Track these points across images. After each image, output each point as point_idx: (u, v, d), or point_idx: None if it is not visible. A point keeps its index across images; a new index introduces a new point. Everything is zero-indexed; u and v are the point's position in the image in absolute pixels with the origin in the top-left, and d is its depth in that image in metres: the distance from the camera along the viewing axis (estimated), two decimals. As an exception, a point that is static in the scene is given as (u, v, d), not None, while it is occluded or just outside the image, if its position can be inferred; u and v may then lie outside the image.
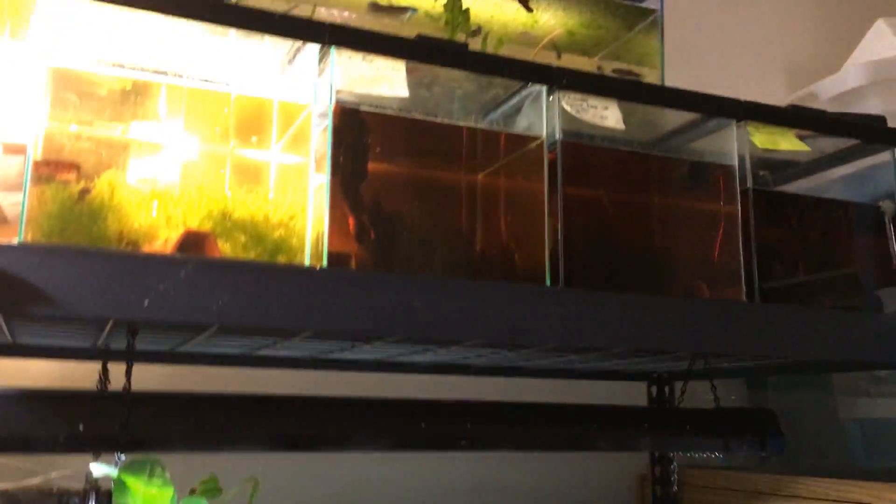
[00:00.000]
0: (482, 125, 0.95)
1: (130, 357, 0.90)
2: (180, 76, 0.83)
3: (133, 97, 0.81)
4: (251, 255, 0.80)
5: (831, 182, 1.15)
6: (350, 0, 1.16)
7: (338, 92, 0.83)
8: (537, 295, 0.83)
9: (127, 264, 0.68)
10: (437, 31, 1.19)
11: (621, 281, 0.94)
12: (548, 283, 0.88)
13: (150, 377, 1.16)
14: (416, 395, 1.09)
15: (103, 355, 0.95)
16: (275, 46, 0.84)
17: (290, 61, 0.86)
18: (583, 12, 1.26)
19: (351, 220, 0.85)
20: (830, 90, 1.42)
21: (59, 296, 0.66)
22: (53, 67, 0.77)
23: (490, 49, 1.22)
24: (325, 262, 0.80)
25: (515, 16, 1.24)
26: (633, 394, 1.49)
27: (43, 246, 0.70)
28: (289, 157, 0.88)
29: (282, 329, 0.82)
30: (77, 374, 1.24)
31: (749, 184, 0.99)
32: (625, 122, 0.96)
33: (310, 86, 0.84)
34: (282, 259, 0.81)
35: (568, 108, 0.91)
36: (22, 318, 0.77)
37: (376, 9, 1.14)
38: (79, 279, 0.66)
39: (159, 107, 0.83)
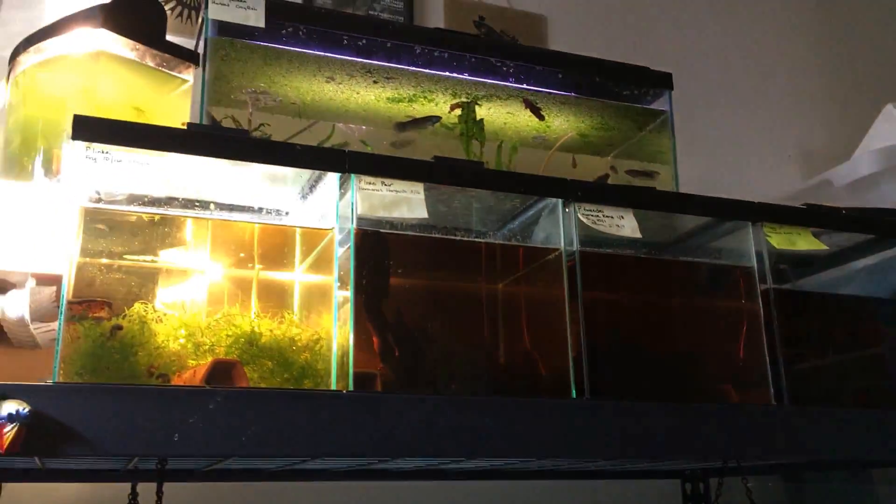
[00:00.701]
0: (500, 240, 0.97)
1: (161, 482, 0.90)
2: (207, 206, 0.86)
3: (160, 230, 0.84)
4: (278, 380, 0.81)
5: (853, 272, 1.15)
6: (367, 115, 1.21)
7: (359, 216, 0.85)
8: (561, 410, 0.83)
9: (157, 400, 0.70)
10: (453, 141, 1.22)
11: (646, 386, 0.94)
12: (573, 392, 0.88)
13: (183, 490, 1.16)
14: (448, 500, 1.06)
15: (133, 477, 0.95)
16: (297, 173, 0.87)
17: (312, 187, 0.89)
18: (593, 116, 1.29)
19: (375, 339, 0.86)
20: (844, 177, 1.43)
21: (91, 436, 0.67)
22: (83, 206, 0.79)
23: (505, 156, 1.25)
24: (350, 384, 0.81)
25: (528, 122, 1.27)
26: (666, 491, 1.46)
27: (76, 385, 0.72)
28: (312, 279, 0.90)
29: (310, 453, 0.82)
30: (106, 494, 1.24)
31: (769, 283, 0.99)
32: (641, 226, 0.97)
33: (331, 211, 0.87)
34: (308, 383, 0.82)
35: (584, 219, 0.92)
36: (55, 457, 0.78)
37: (402, 127, 1.18)
38: (110, 418, 0.68)
39: (186, 238, 0.86)
